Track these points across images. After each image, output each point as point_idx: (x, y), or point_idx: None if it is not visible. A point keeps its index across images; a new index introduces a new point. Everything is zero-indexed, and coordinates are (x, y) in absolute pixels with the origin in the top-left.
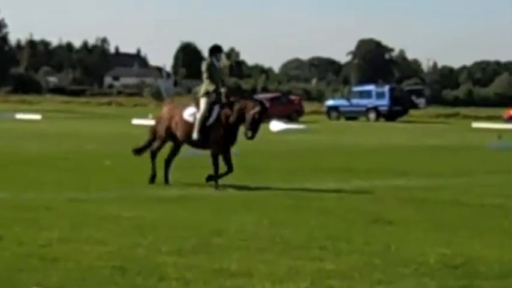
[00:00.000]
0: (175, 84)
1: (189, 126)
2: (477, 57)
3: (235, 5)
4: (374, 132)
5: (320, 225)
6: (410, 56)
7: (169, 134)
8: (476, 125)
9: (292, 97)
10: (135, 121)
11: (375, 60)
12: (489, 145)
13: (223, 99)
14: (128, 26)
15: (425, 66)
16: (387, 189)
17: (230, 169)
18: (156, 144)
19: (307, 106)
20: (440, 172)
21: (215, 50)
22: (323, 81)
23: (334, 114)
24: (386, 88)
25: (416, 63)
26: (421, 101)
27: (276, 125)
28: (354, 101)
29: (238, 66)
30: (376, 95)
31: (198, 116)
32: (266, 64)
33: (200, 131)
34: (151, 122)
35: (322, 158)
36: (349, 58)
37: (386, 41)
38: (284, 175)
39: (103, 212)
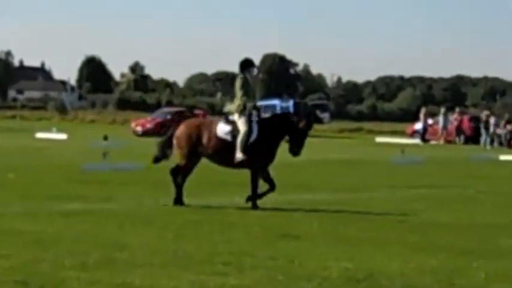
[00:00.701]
0: (80, 98)
1: (226, 144)
2: (381, 72)
3: (140, 18)
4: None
5: (224, 240)
6: (314, 70)
7: (197, 154)
8: (380, 139)
9: (197, 111)
10: (39, 135)
11: (279, 75)
12: (392, 160)
13: (261, 115)
14: (32, 39)
15: (330, 80)
16: (292, 203)
17: (273, 186)
18: (182, 164)
19: None
20: (344, 186)
21: (247, 64)
22: (228, 96)
23: None
24: (290, 102)
25: (320, 78)
26: (325, 116)
27: None
28: None
29: (143, 81)
30: (280, 109)
31: (241, 134)
32: (171, 78)
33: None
34: (55, 136)
35: (226, 172)
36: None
37: (290, 56)
38: (188, 189)
39: (5, 226)
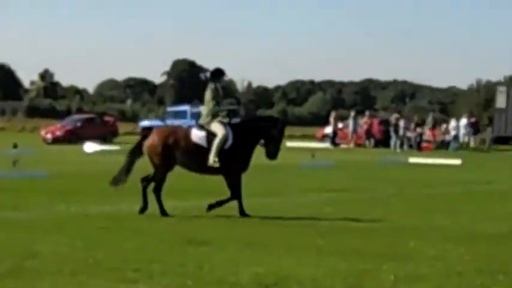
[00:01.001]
0: None
1: (201, 150)
2: (291, 76)
3: (50, 24)
4: None
5: (134, 247)
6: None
7: (173, 162)
8: (290, 144)
9: (107, 118)
10: None
11: (190, 81)
12: (303, 164)
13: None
14: None
15: (240, 86)
16: (201, 209)
17: (233, 196)
18: (158, 174)
19: (123, 127)
20: (254, 192)
21: (219, 73)
22: (138, 102)
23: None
24: (201, 108)
25: (231, 83)
26: (236, 121)
27: (89, 147)
28: (169, 121)
29: (52, 88)
30: (191, 115)
31: (218, 138)
32: (81, 85)
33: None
34: None
35: (136, 178)
36: (164, 78)
37: (201, 61)
38: (97, 197)
39: None
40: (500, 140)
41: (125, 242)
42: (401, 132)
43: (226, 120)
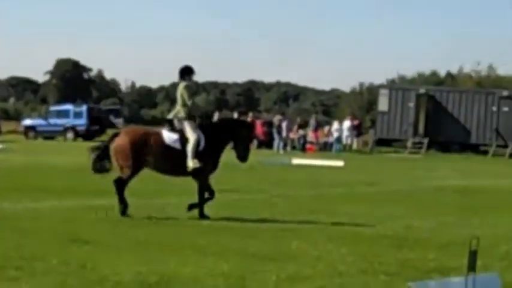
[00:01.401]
0: None
1: (175, 153)
2: (174, 77)
3: None
4: (72, 151)
5: (16, 245)
6: (108, 75)
7: (143, 164)
8: None
9: None
10: None
11: (73, 80)
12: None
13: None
14: None
15: (124, 86)
16: (84, 209)
17: (212, 194)
18: (126, 175)
19: (5, 126)
20: (139, 192)
21: (189, 71)
22: (21, 101)
23: (31, 133)
24: (84, 108)
25: (114, 83)
26: (119, 121)
27: None
28: (52, 120)
29: None
30: (74, 114)
31: (191, 142)
32: None
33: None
34: None
35: (19, 177)
36: (47, 78)
37: (84, 61)
38: None
39: None
40: (382, 142)
41: (5, 240)
42: (284, 133)
43: (198, 121)
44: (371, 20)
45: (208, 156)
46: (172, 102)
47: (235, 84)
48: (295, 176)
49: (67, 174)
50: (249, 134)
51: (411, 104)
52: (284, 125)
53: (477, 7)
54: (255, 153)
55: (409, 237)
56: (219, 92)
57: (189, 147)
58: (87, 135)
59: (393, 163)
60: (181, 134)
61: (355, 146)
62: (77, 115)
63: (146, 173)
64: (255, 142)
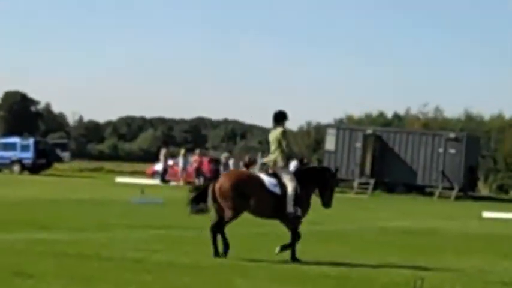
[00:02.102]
0: None
1: (275, 198)
2: (122, 112)
3: None
4: (18, 184)
5: None
6: (56, 109)
7: (245, 206)
8: (120, 179)
9: None
10: None
11: (20, 113)
12: (132, 200)
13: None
14: None
15: (71, 119)
16: (29, 242)
17: (299, 238)
18: (227, 217)
19: None
20: (82, 226)
21: (285, 117)
22: None
23: None
24: (31, 141)
25: (62, 117)
26: (65, 155)
27: None
28: None
29: None
30: (20, 147)
31: (291, 189)
32: None
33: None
34: None
35: None
36: None
37: (32, 93)
38: None
39: None
40: None
41: None
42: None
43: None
44: (319, 58)
45: (301, 202)
46: (120, 137)
47: (183, 121)
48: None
49: (12, 207)
50: (335, 181)
51: (358, 144)
52: (231, 162)
53: (426, 49)
54: None
55: (352, 276)
56: (167, 128)
57: (289, 194)
58: (34, 169)
59: (339, 203)
60: (279, 180)
61: None
62: (24, 148)
63: (92, 206)
64: (201, 179)
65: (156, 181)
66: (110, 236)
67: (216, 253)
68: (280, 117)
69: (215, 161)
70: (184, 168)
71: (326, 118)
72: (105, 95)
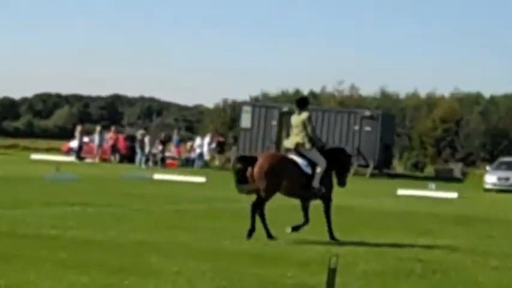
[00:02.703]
0: None
1: (307, 178)
2: (38, 89)
3: None
4: None
5: None
6: None
7: (279, 187)
8: (35, 156)
9: None
10: None
11: None
12: (47, 177)
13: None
14: None
15: None
16: None
17: (307, 220)
18: (265, 198)
19: None
20: None
21: (307, 102)
22: None
23: None
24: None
25: None
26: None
27: None
28: None
29: None
30: None
31: (321, 166)
32: None
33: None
34: None
35: None
36: None
37: None
38: None
39: None
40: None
41: None
42: (146, 148)
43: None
44: (236, 36)
45: (325, 181)
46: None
47: (99, 98)
48: (157, 191)
49: None
50: (349, 162)
51: (274, 122)
52: (147, 139)
53: (342, 27)
54: (118, 168)
55: (268, 254)
56: (82, 105)
57: (318, 172)
58: None
59: None
60: (308, 159)
61: (217, 162)
62: None
63: (6, 183)
64: (117, 156)
65: (72, 158)
66: (25, 213)
67: (251, 231)
68: (303, 103)
69: (131, 138)
70: (100, 145)
71: (242, 96)
72: (21, 72)
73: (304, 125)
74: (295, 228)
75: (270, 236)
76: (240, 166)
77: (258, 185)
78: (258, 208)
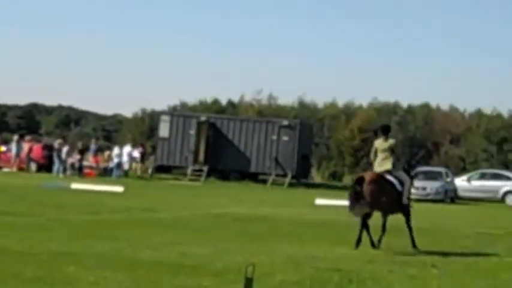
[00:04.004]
0: None
1: (398, 195)
2: None
3: None
4: None
5: None
6: None
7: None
8: None
9: None
10: None
11: None
12: None
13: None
14: None
15: None
16: None
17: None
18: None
19: None
20: None
21: (390, 129)
22: None
23: None
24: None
25: None
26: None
27: None
28: None
29: None
30: None
31: (408, 183)
32: None
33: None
34: None
35: None
36: None
37: None
38: None
39: None
40: (162, 169)
41: None
42: (64, 157)
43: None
44: (153, 46)
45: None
46: None
47: (16, 107)
48: (74, 201)
49: None
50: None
51: (192, 131)
52: (64, 149)
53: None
54: (35, 177)
55: (185, 263)
56: (0, 114)
57: (406, 189)
58: None
59: (173, 190)
60: (398, 179)
61: (139, 172)
62: None
63: None
64: (34, 165)
65: None
66: None
67: (358, 242)
68: (387, 130)
69: (48, 147)
70: (18, 155)
71: (160, 105)
72: None
73: (392, 151)
74: (374, 244)
75: (373, 245)
76: (358, 187)
77: (365, 202)
78: (365, 224)
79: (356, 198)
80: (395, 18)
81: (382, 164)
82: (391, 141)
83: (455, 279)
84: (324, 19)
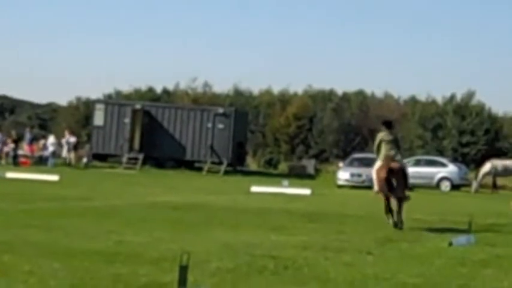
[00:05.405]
0: None
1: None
2: None
3: None
4: None
5: None
6: None
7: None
8: None
9: None
10: None
11: None
12: None
13: None
14: None
15: None
16: None
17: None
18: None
19: None
20: None
21: (393, 124)
22: None
23: None
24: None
25: None
26: None
27: None
28: None
29: None
30: None
31: (407, 173)
32: None
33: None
34: None
35: None
36: None
37: None
38: None
39: None
40: (98, 157)
41: None
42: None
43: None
44: (88, 34)
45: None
46: None
47: None
48: (9, 190)
49: None
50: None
51: (127, 120)
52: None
53: (194, 22)
54: None
55: (121, 252)
56: None
57: (407, 175)
58: None
59: (108, 178)
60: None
61: (73, 160)
62: None
63: None
64: None
65: None
66: None
67: (394, 225)
68: (390, 124)
69: None
70: None
71: (95, 93)
72: None
73: (397, 143)
74: (397, 225)
75: (395, 225)
76: (391, 176)
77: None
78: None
79: (390, 184)
80: (329, 3)
81: (390, 153)
82: (395, 134)
83: (391, 266)
84: (258, 6)
